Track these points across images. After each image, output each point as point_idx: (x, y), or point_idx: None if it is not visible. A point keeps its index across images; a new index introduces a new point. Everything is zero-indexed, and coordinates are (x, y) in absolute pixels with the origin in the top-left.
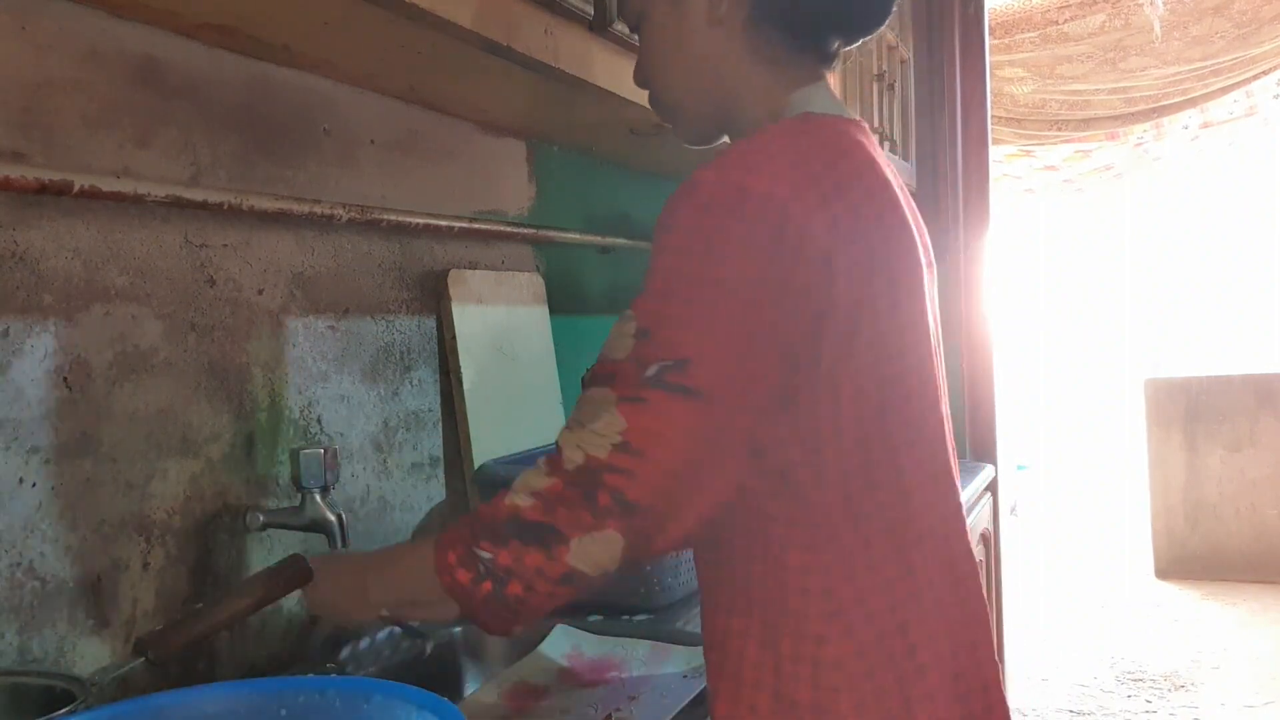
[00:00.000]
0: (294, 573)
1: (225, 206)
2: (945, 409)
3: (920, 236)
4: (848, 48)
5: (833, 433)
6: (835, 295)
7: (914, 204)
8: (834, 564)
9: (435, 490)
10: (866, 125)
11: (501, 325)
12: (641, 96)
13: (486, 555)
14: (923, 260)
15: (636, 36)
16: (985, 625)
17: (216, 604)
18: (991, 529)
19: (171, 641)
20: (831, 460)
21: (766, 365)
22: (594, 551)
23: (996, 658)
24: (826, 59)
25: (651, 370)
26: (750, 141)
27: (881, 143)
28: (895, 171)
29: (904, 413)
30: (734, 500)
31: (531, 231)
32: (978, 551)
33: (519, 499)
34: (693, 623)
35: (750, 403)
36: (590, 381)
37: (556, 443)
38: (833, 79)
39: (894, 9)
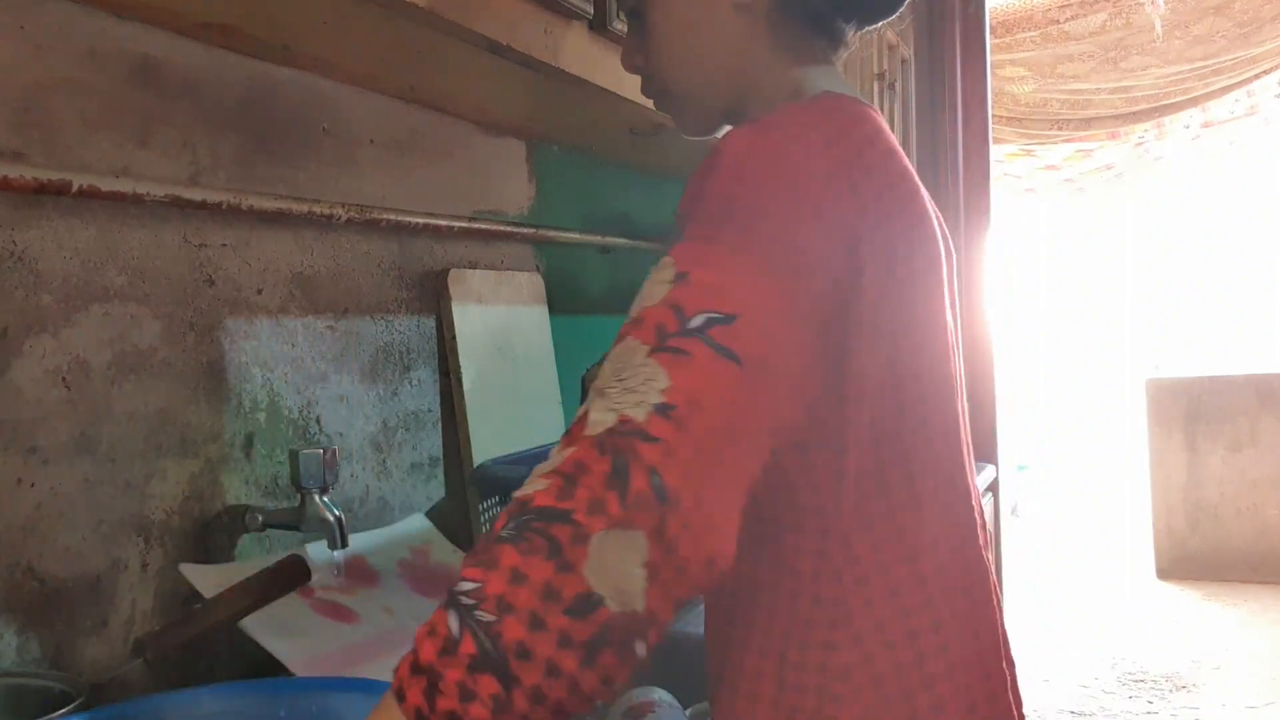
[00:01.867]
0: (293, 572)
1: (224, 206)
2: (962, 408)
3: (940, 227)
4: (860, 31)
5: (849, 433)
6: (861, 285)
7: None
8: (845, 570)
9: (435, 490)
10: (878, 108)
11: (501, 325)
12: (641, 96)
13: (470, 586)
14: (942, 252)
15: (637, 19)
16: (997, 634)
17: (215, 603)
18: (992, 529)
19: (169, 641)
20: (847, 462)
21: (802, 346)
22: (615, 559)
23: (1008, 667)
24: (840, 44)
25: (696, 320)
26: (781, 114)
27: None
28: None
29: (919, 413)
30: (748, 508)
31: (531, 231)
32: None
33: (524, 489)
34: (691, 623)
35: (783, 385)
36: (616, 338)
37: (580, 411)
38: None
39: None
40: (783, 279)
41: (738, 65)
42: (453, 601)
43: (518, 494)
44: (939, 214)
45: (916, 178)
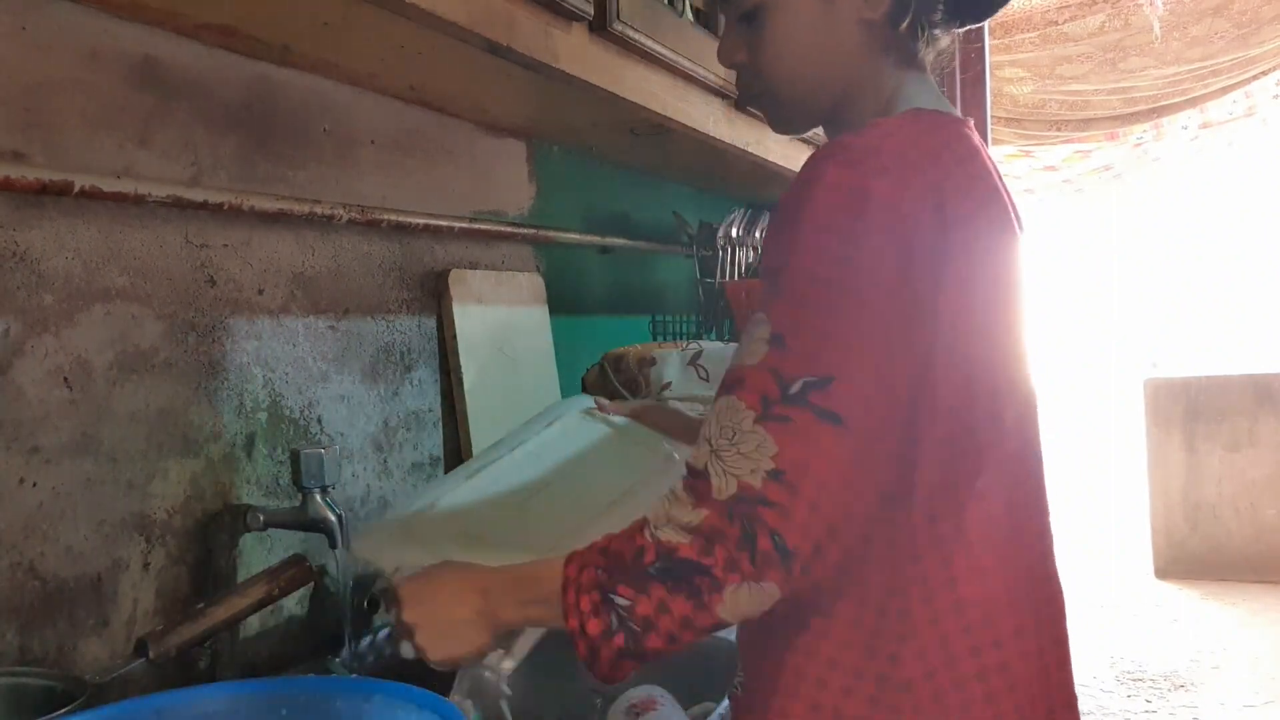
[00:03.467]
0: (296, 573)
1: (225, 206)
2: (1038, 426)
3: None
4: (959, 30)
5: (923, 449)
6: (939, 308)
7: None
8: (913, 585)
9: None
10: (972, 122)
11: (502, 325)
12: (641, 96)
13: (624, 602)
14: (1021, 265)
15: (751, 22)
16: (1063, 651)
17: (217, 603)
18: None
19: (171, 641)
20: (920, 478)
21: (900, 389)
22: (745, 603)
23: (1067, 684)
24: (934, 45)
25: (795, 386)
26: (867, 136)
27: None
28: (1000, 172)
29: (991, 432)
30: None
31: (531, 231)
32: None
33: (667, 534)
34: None
35: (888, 431)
36: (720, 390)
37: (692, 464)
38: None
39: None
40: (878, 334)
41: (848, 73)
42: (610, 605)
43: (659, 537)
44: (1019, 218)
45: (1006, 194)
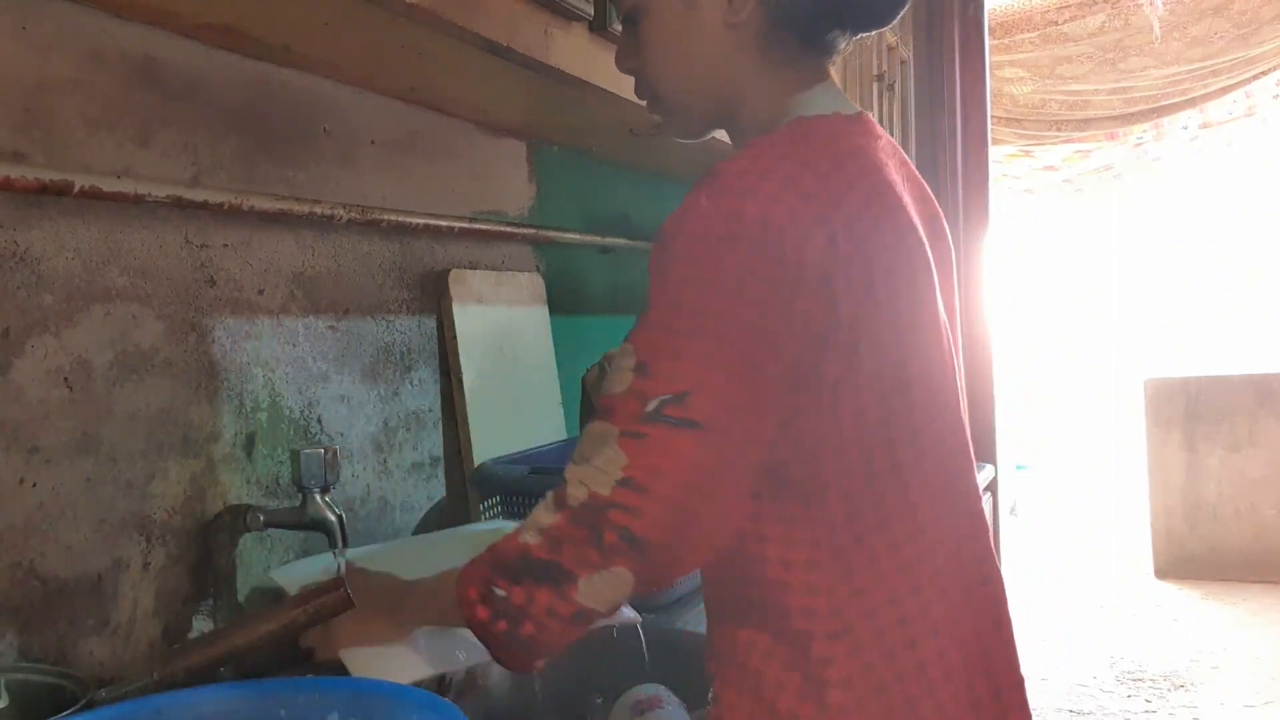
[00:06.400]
0: (326, 603)
1: (226, 207)
2: (960, 412)
3: (929, 227)
4: (855, 38)
5: (834, 449)
6: (838, 315)
7: (927, 191)
8: (839, 583)
9: (435, 490)
10: (870, 117)
11: (502, 325)
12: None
13: (501, 593)
14: (930, 259)
15: (631, 25)
16: (1002, 632)
17: (232, 630)
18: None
19: (179, 665)
20: (833, 476)
21: (769, 392)
22: (603, 589)
23: (1012, 664)
24: (830, 52)
25: (651, 405)
26: (742, 159)
27: None
28: (903, 161)
29: (909, 423)
30: (747, 526)
31: (531, 231)
32: None
33: (528, 536)
34: (693, 622)
35: (754, 430)
36: (594, 417)
37: (563, 475)
38: (834, 74)
39: (908, 3)
40: (737, 348)
41: (726, 78)
42: (490, 596)
43: (523, 540)
44: (933, 212)
45: (901, 183)
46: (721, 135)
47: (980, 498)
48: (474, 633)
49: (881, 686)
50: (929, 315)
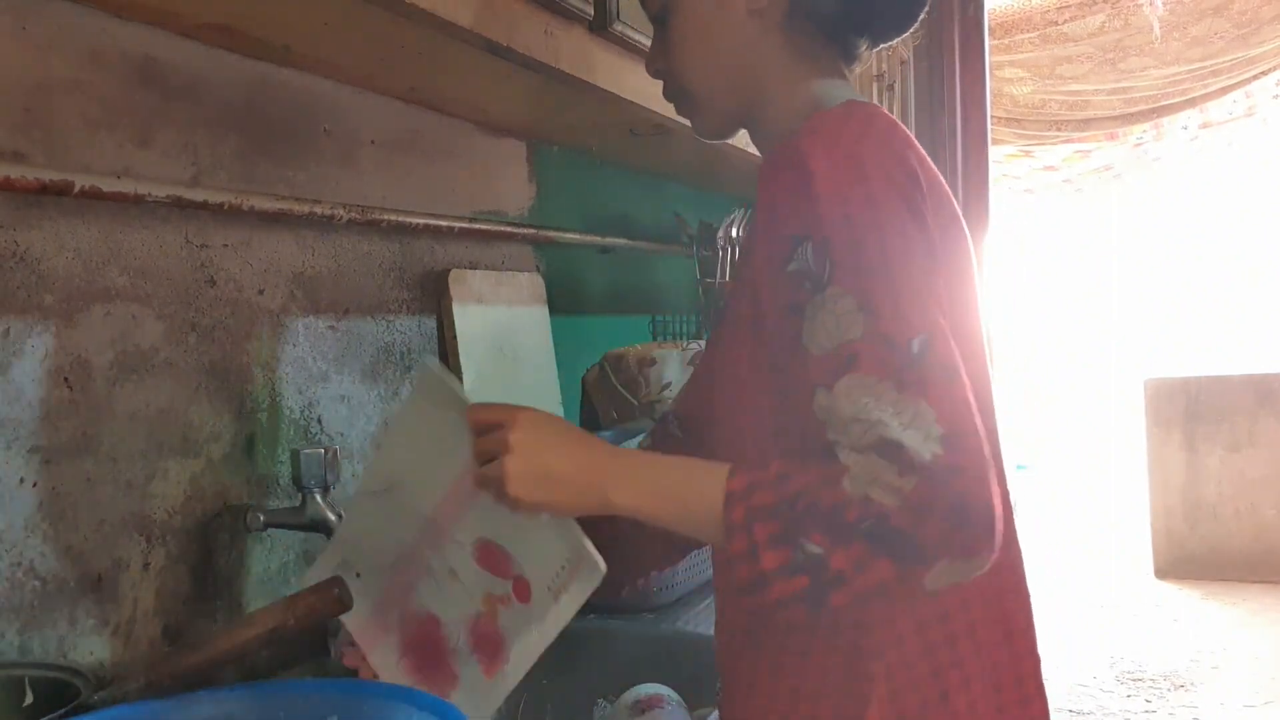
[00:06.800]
0: (319, 602)
1: (226, 207)
2: (994, 415)
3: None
4: (874, 48)
5: None
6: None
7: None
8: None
9: None
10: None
11: (502, 325)
12: (641, 96)
13: (815, 550)
14: (974, 257)
15: (661, 25)
16: (1028, 616)
17: (225, 634)
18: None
19: (169, 670)
20: None
21: (972, 322)
22: (949, 577)
23: (1034, 649)
24: (853, 59)
25: (915, 346)
26: (827, 118)
27: None
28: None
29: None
30: None
31: (531, 231)
32: None
33: (879, 494)
34: (693, 622)
35: (980, 361)
36: (833, 372)
37: (860, 443)
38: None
39: (924, 11)
40: (938, 293)
41: (752, 69)
42: (798, 548)
43: (868, 494)
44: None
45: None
46: (743, 138)
47: (1010, 490)
48: (738, 568)
49: (910, 659)
50: (974, 321)
